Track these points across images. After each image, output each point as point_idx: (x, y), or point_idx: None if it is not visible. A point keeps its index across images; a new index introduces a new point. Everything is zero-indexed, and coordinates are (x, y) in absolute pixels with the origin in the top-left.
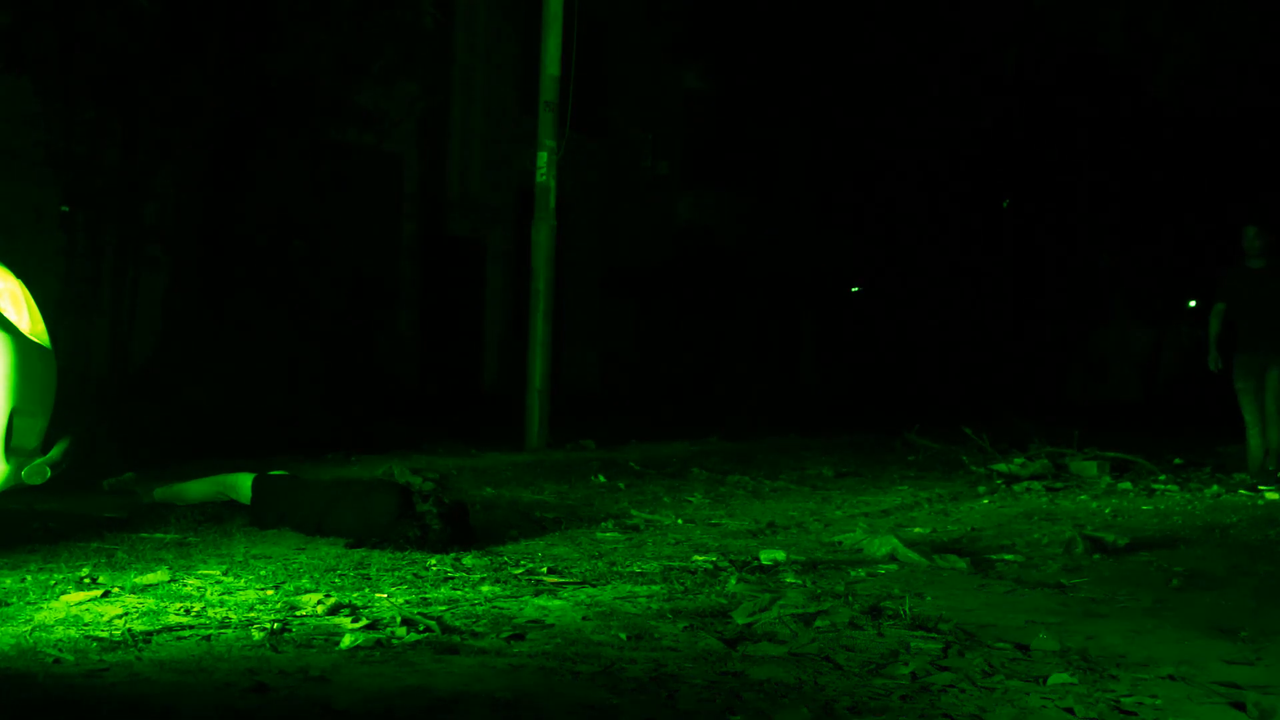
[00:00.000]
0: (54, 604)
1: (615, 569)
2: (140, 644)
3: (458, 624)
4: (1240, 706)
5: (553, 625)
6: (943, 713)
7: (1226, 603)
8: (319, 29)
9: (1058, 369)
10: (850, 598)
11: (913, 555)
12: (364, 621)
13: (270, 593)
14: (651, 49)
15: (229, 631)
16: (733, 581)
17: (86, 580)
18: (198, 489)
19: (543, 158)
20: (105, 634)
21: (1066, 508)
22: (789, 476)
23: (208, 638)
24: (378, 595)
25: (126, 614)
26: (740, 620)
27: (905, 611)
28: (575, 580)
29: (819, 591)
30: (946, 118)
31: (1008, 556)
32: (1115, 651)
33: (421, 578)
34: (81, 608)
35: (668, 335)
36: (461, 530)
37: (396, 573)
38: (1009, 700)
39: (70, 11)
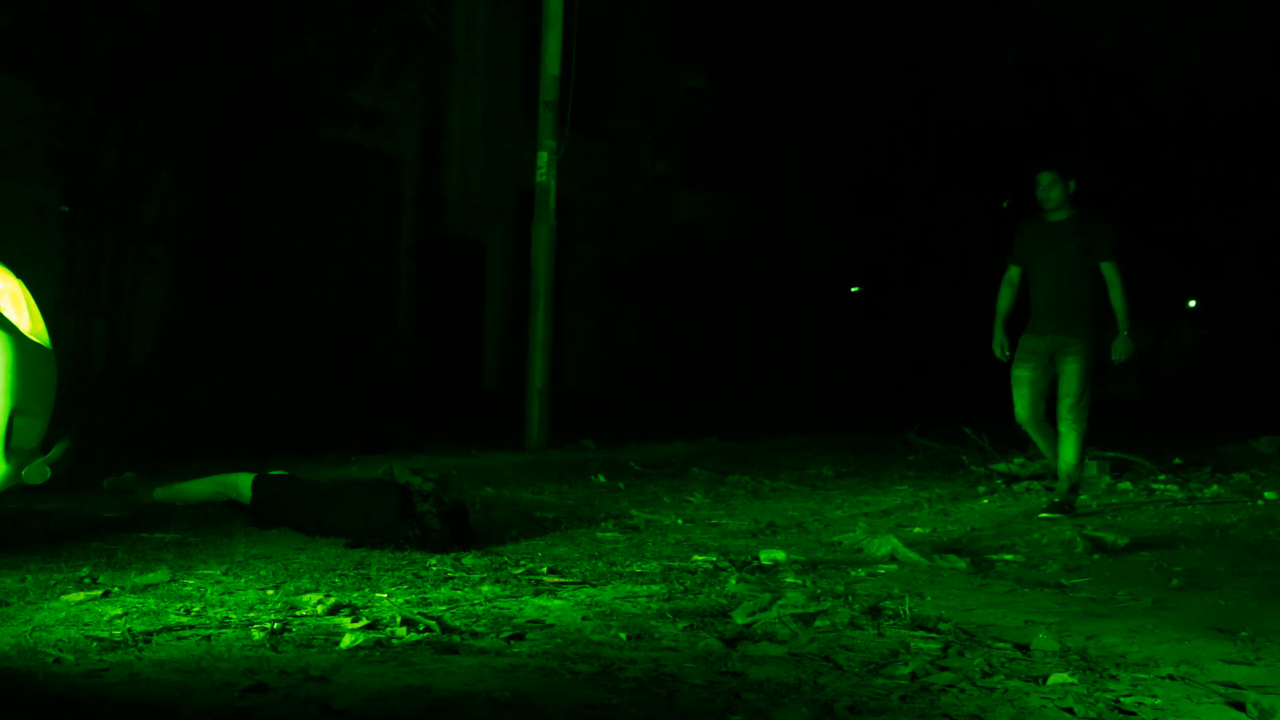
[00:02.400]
0: (54, 604)
1: (615, 569)
2: (140, 644)
3: (458, 624)
4: (1240, 706)
5: (553, 625)
6: (942, 713)
7: (1226, 603)
8: (319, 29)
9: None
10: (850, 598)
11: (913, 555)
12: (364, 621)
13: (270, 593)
14: (651, 49)
15: (229, 631)
16: (733, 581)
17: (86, 580)
18: (198, 489)
19: (543, 158)
20: (105, 634)
21: None
22: (789, 476)
23: (208, 638)
24: (378, 595)
25: (126, 614)
26: (740, 620)
27: (905, 611)
28: (575, 580)
29: (819, 591)
30: (947, 117)
31: (1008, 556)
32: (1115, 651)
33: (421, 578)
34: (81, 608)
35: (668, 335)
36: (461, 530)
37: (396, 573)
38: (1009, 700)
39: (71, 12)
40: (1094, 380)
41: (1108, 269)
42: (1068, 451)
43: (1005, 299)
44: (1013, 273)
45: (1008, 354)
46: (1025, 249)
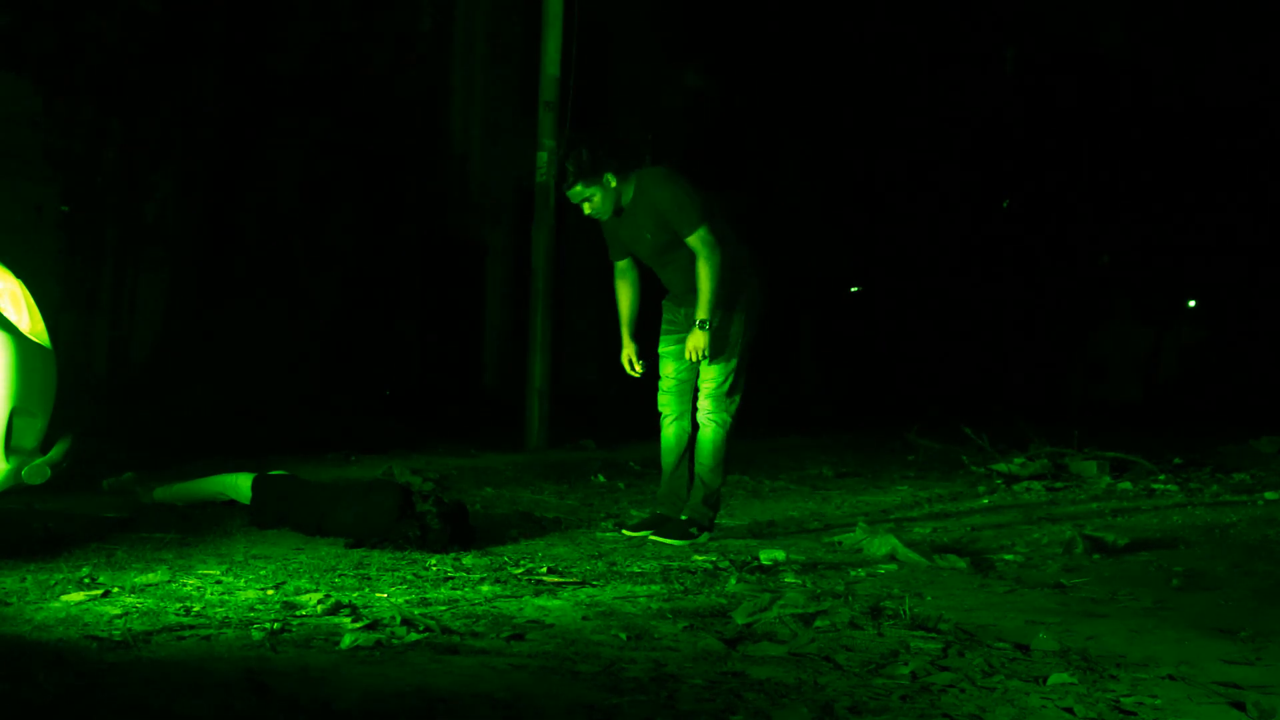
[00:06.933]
0: (54, 604)
1: (615, 569)
2: (140, 644)
3: (457, 624)
4: (1240, 706)
5: (552, 625)
6: (943, 713)
7: (1226, 603)
8: (319, 29)
9: (1058, 369)
10: (850, 598)
11: (913, 555)
12: (364, 621)
13: (270, 593)
14: (651, 49)
15: (229, 631)
16: (733, 581)
17: (86, 580)
18: (197, 489)
19: (543, 158)
20: (105, 634)
21: (1066, 508)
22: (789, 476)
23: (207, 638)
24: (377, 595)
25: (126, 614)
26: (740, 620)
27: (905, 611)
28: (575, 580)
29: (819, 591)
30: (947, 117)
31: (1008, 556)
32: (1115, 651)
33: (421, 578)
34: (81, 608)
35: None
36: (461, 530)
37: (396, 573)
38: (1009, 700)
39: (71, 11)
40: (746, 365)
41: (692, 243)
42: (704, 450)
43: (623, 297)
44: (621, 264)
45: (638, 369)
46: (616, 243)
